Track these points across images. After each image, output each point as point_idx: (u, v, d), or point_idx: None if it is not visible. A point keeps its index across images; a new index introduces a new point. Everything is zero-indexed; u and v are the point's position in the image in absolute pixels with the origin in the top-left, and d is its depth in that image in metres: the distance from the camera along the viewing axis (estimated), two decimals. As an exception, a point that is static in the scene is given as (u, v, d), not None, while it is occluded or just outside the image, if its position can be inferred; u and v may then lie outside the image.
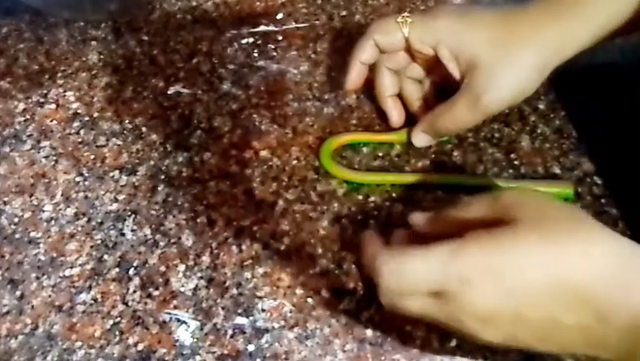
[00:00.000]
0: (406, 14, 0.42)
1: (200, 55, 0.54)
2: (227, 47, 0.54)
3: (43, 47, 0.55)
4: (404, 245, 0.34)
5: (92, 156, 0.47)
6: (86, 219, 0.43)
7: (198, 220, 0.43)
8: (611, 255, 0.28)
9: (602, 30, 0.40)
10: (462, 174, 0.44)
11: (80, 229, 0.43)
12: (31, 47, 0.55)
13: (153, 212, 0.43)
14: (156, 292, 0.39)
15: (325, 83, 0.51)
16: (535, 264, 0.28)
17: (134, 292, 0.39)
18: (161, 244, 0.42)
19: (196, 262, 0.41)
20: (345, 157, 0.46)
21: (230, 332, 0.37)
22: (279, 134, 0.47)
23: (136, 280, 0.40)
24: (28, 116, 0.50)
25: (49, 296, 0.40)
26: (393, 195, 0.43)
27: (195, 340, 0.37)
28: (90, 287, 0.40)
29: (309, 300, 0.38)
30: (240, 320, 0.38)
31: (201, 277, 0.40)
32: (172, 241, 0.42)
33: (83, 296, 0.39)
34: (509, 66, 0.40)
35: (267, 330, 0.37)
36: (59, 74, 0.53)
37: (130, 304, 0.39)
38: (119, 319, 0.38)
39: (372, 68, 0.45)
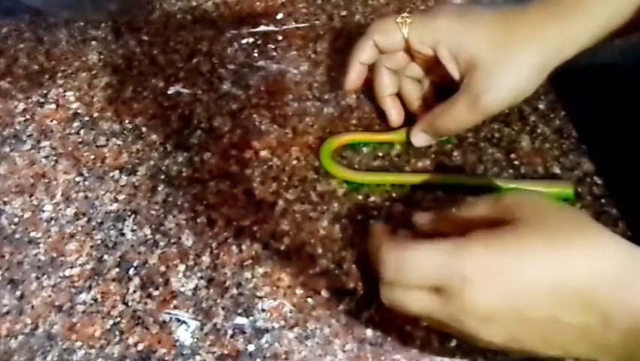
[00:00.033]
0: (405, 14, 0.42)
1: (200, 55, 0.54)
2: (227, 47, 0.54)
3: (43, 47, 0.55)
4: (409, 239, 0.34)
5: (92, 156, 0.47)
6: (86, 219, 0.43)
7: (198, 220, 0.43)
8: (612, 257, 0.28)
9: (601, 30, 0.40)
10: (462, 174, 0.44)
11: (80, 229, 0.43)
12: (31, 47, 0.55)
13: (153, 212, 0.43)
14: (156, 292, 0.39)
15: (325, 83, 0.51)
16: (537, 264, 0.28)
17: (134, 292, 0.39)
18: (161, 244, 0.42)
19: (196, 262, 0.41)
20: (345, 157, 0.46)
21: (230, 332, 0.37)
22: (279, 135, 0.47)
23: (136, 280, 0.40)
24: (28, 116, 0.50)
25: (49, 296, 0.40)
26: (393, 195, 0.43)
27: (195, 340, 0.37)
28: (90, 287, 0.40)
29: (309, 300, 0.38)
30: (240, 320, 0.38)
31: (201, 277, 0.40)
32: (172, 241, 0.42)
33: (83, 296, 0.39)
34: (509, 66, 0.40)
35: (267, 330, 0.37)
36: (59, 74, 0.53)
37: (130, 304, 0.39)
38: (119, 319, 0.38)
39: (372, 68, 0.45)
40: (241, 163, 0.46)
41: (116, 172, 0.46)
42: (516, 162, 0.45)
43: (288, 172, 0.45)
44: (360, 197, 0.43)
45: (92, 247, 0.42)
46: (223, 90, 0.51)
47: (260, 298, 0.39)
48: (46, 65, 0.54)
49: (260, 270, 0.40)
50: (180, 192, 0.44)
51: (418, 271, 0.30)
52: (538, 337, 0.29)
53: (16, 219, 0.44)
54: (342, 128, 0.47)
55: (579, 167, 0.44)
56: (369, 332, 0.37)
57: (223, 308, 0.38)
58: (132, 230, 0.42)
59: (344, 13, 0.56)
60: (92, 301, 0.39)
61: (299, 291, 0.39)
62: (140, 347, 0.37)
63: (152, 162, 0.46)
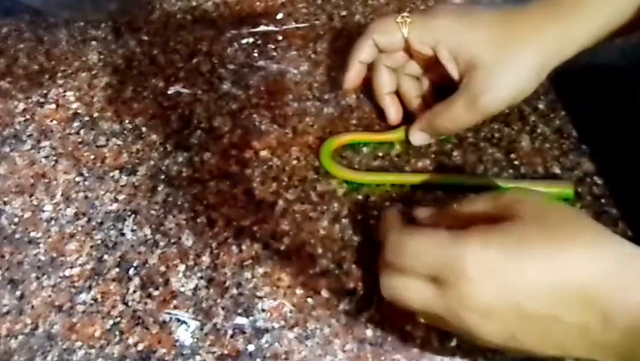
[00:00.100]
0: (405, 14, 0.42)
1: (200, 55, 0.54)
2: (227, 47, 0.54)
3: (43, 47, 0.55)
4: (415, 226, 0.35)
5: (92, 156, 0.47)
6: (86, 219, 0.43)
7: (198, 220, 0.43)
8: (612, 256, 0.28)
9: (601, 30, 0.40)
10: (462, 174, 0.44)
11: (80, 229, 0.43)
12: (31, 47, 0.55)
13: (153, 212, 0.43)
14: (156, 292, 0.39)
15: (325, 83, 0.51)
16: (537, 262, 0.28)
17: (134, 292, 0.39)
18: (161, 244, 0.42)
19: (196, 262, 0.41)
20: (345, 157, 0.46)
21: (230, 332, 0.37)
22: (279, 134, 0.47)
23: (136, 280, 0.40)
24: (28, 116, 0.50)
25: (49, 296, 0.40)
26: (393, 195, 0.43)
27: (195, 340, 0.37)
28: (90, 287, 0.40)
29: (309, 300, 0.38)
30: (240, 320, 0.38)
31: (201, 277, 0.40)
32: (172, 241, 0.42)
33: (83, 296, 0.39)
34: (509, 66, 0.40)
35: (267, 330, 0.37)
36: (59, 74, 0.53)
37: (130, 304, 0.39)
38: (119, 319, 0.38)
39: (371, 67, 0.45)
40: (241, 163, 0.46)
41: (116, 172, 0.46)
42: (516, 162, 0.45)
43: (288, 172, 0.45)
44: (360, 197, 0.43)
45: (92, 247, 0.42)
46: (223, 90, 0.51)
47: (260, 298, 0.39)
48: (46, 65, 0.54)
49: (260, 270, 0.40)
50: (180, 192, 0.44)
51: (417, 258, 0.30)
52: (537, 335, 0.29)
53: (16, 219, 0.44)
54: (342, 128, 0.47)
55: (579, 167, 0.44)
56: (369, 332, 0.37)
57: (223, 308, 0.38)
58: (132, 230, 0.42)
59: (344, 13, 0.56)
60: (92, 301, 0.39)
61: (299, 291, 0.39)
62: (140, 347, 0.37)
63: (152, 162, 0.46)
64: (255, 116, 0.49)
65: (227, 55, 0.53)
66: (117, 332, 0.38)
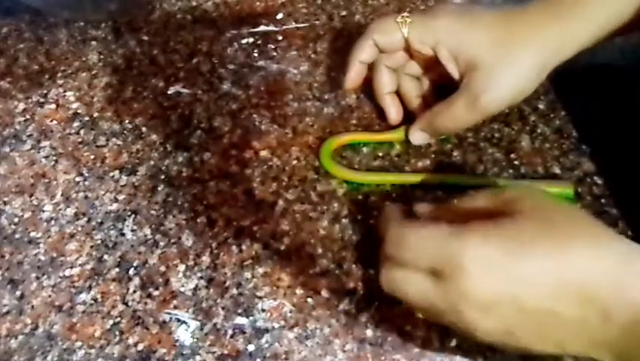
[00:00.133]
0: (405, 14, 0.42)
1: (200, 55, 0.54)
2: (227, 47, 0.54)
3: (43, 47, 0.55)
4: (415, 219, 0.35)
5: (92, 156, 0.47)
6: (86, 219, 0.43)
7: (198, 220, 0.43)
8: (612, 253, 0.28)
9: (601, 30, 0.40)
10: (462, 174, 0.44)
11: (80, 229, 0.43)
12: (31, 47, 0.55)
13: (153, 212, 0.43)
14: (156, 292, 0.39)
15: (325, 83, 0.51)
16: (536, 257, 0.28)
17: (134, 292, 0.39)
18: (161, 244, 0.42)
19: (196, 262, 0.41)
20: (345, 157, 0.46)
21: (230, 332, 0.37)
22: (279, 134, 0.47)
23: (136, 280, 0.40)
24: (28, 116, 0.50)
25: (49, 296, 0.40)
26: (394, 195, 0.43)
27: (195, 340, 0.37)
28: (90, 287, 0.40)
29: (309, 300, 0.38)
30: (240, 320, 0.38)
31: (201, 277, 0.40)
32: (172, 241, 0.42)
33: (83, 296, 0.39)
34: (509, 66, 0.40)
35: (267, 330, 0.37)
36: (59, 74, 0.53)
37: (130, 304, 0.39)
38: (119, 319, 0.38)
39: (371, 67, 0.45)
40: (241, 163, 0.46)
41: (116, 172, 0.46)
42: (516, 162, 0.45)
43: (288, 172, 0.45)
44: (360, 197, 0.43)
45: (92, 247, 0.42)
46: (223, 90, 0.51)
47: (260, 298, 0.39)
48: (46, 65, 0.54)
49: (260, 270, 0.40)
50: (180, 192, 0.44)
51: (417, 251, 0.30)
52: (535, 331, 0.29)
53: (16, 219, 0.44)
54: (342, 128, 0.47)
55: (579, 167, 0.44)
56: (369, 332, 0.37)
57: (223, 308, 0.38)
58: (132, 230, 0.42)
59: (344, 13, 0.56)
60: (92, 301, 0.39)
61: (299, 291, 0.39)
62: (140, 347, 0.37)
63: (152, 162, 0.46)
64: (255, 116, 0.49)
65: (227, 55, 0.53)
66: (117, 332, 0.38)
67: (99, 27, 0.57)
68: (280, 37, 0.54)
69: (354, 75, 0.45)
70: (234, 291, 0.39)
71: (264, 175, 0.45)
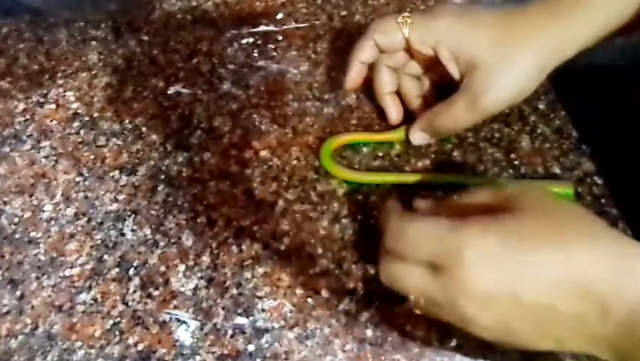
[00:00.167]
0: (406, 14, 0.42)
1: (200, 55, 0.54)
2: (227, 47, 0.54)
3: (43, 47, 0.55)
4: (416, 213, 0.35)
5: (92, 156, 0.47)
6: (86, 219, 0.43)
7: (198, 220, 0.43)
8: (611, 249, 0.28)
9: (601, 30, 0.40)
10: (462, 174, 0.44)
11: (80, 229, 0.43)
12: (31, 47, 0.55)
13: (153, 212, 0.43)
14: (156, 292, 0.39)
15: (325, 83, 0.51)
16: (536, 251, 0.28)
17: (134, 292, 0.39)
18: (161, 244, 0.42)
19: (196, 262, 0.41)
20: (345, 157, 0.46)
21: (230, 332, 0.37)
22: (279, 134, 0.47)
23: (136, 280, 0.40)
24: (28, 116, 0.50)
25: (49, 296, 0.40)
26: (394, 195, 0.43)
27: (195, 340, 0.37)
28: (90, 287, 0.40)
29: (309, 300, 0.38)
30: (240, 320, 0.38)
31: (201, 277, 0.40)
32: (172, 241, 0.42)
33: (83, 296, 0.39)
34: (509, 66, 0.40)
35: (267, 330, 0.37)
36: (59, 74, 0.53)
37: (130, 304, 0.39)
38: (119, 319, 0.38)
39: (372, 67, 0.45)
40: (241, 163, 0.46)
41: (116, 172, 0.46)
42: (516, 162, 0.45)
43: (288, 172, 0.45)
44: (360, 197, 0.43)
45: (92, 247, 0.42)
46: (223, 90, 0.51)
47: (260, 298, 0.39)
48: (46, 65, 0.54)
49: (260, 270, 0.40)
50: (180, 192, 0.44)
51: (416, 244, 0.30)
52: (533, 325, 0.29)
53: (16, 219, 0.44)
54: (342, 128, 0.47)
55: (579, 167, 0.44)
56: (369, 332, 0.37)
57: (223, 308, 0.38)
58: (132, 230, 0.42)
59: (344, 13, 0.56)
60: (92, 301, 0.39)
61: (299, 291, 0.39)
62: (140, 347, 0.37)
63: (152, 162, 0.46)
64: (255, 116, 0.49)
65: (227, 55, 0.53)
66: (117, 332, 0.38)
67: (99, 27, 0.57)
68: (280, 37, 0.54)
69: (354, 75, 0.45)
70: (234, 291, 0.39)
71: (264, 175, 0.45)
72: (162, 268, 0.40)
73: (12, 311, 0.39)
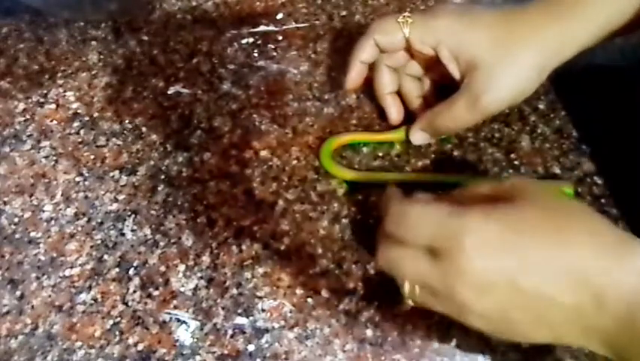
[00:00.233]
0: (406, 14, 0.42)
1: (200, 55, 0.54)
2: (227, 47, 0.54)
3: (43, 47, 0.55)
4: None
5: (92, 156, 0.47)
6: (86, 219, 0.43)
7: (198, 220, 0.43)
8: (608, 241, 0.29)
9: (601, 30, 0.40)
10: (462, 174, 0.44)
11: (80, 229, 0.43)
12: (31, 47, 0.55)
13: (153, 212, 0.43)
14: (156, 292, 0.39)
15: (325, 83, 0.51)
16: (534, 239, 0.29)
17: (134, 292, 0.39)
18: (161, 244, 0.42)
19: (196, 262, 0.41)
20: (345, 157, 0.46)
21: (230, 332, 0.37)
22: (279, 134, 0.47)
23: (136, 280, 0.40)
24: (28, 116, 0.50)
25: (49, 296, 0.40)
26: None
27: (195, 340, 0.37)
28: (90, 287, 0.40)
29: (309, 300, 0.38)
30: (240, 320, 0.38)
31: (201, 277, 0.40)
32: (172, 241, 0.42)
33: (83, 296, 0.39)
34: (509, 66, 0.40)
35: (267, 330, 0.37)
36: (59, 74, 0.53)
37: (130, 304, 0.39)
38: (119, 319, 0.38)
39: (372, 67, 0.45)
40: (241, 163, 0.46)
41: (116, 172, 0.46)
42: (516, 162, 0.45)
43: (288, 172, 0.45)
44: (360, 197, 0.43)
45: (92, 247, 0.42)
46: (223, 90, 0.51)
47: (260, 298, 0.39)
48: (46, 65, 0.54)
49: (260, 270, 0.40)
50: (180, 192, 0.44)
51: (417, 228, 0.30)
52: (530, 314, 0.29)
53: (16, 219, 0.44)
54: (342, 128, 0.47)
55: (579, 167, 0.44)
56: (369, 332, 0.37)
57: (223, 308, 0.38)
58: (132, 230, 0.42)
59: (344, 13, 0.56)
60: (92, 301, 0.39)
61: (299, 291, 0.39)
62: (140, 347, 0.37)
63: (152, 162, 0.46)
64: (255, 116, 0.49)
65: (227, 55, 0.53)
66: (117, 332, 0.38)
67: (99, 27, 0.57)
68: (280, 37, 0.54)
69: (354, 75, 0.45)
70: (234, 291, 0.39)
71: (264, 175, 0.45)
72: (162, 268, 0.40)
73: (12, 311, 0.39)
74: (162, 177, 0.45)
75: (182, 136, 0.48)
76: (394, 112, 0.46)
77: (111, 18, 0.57)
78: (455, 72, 0.41)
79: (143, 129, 0.48)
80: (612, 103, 0.47)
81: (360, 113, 0.48)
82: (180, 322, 0.38)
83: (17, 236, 0.43)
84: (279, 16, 0.56)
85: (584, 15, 0.39)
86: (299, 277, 0.39)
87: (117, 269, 0.41)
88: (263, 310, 0.38)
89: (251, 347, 0.37)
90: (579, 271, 0.28)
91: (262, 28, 0.55)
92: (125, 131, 0.48)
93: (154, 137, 0.48)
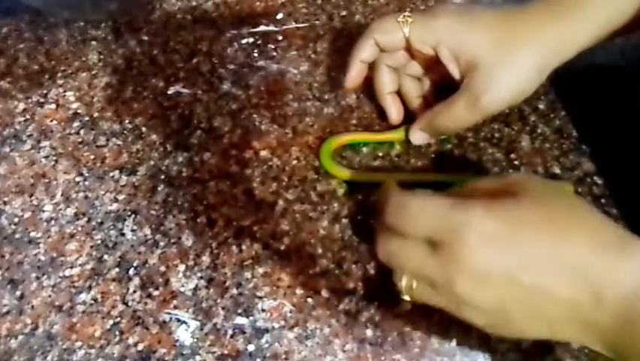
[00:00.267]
0: (406, 14, 0.42)
1: (200, 55, 0.54)
2: (227, 47, 0.54)
3: (43, 47, 0.55)
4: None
5: (92, 156, 0.47)
6: (86, 219, 0.43)
7: (198, 220, 0.43)
8: (607, 237, 0.29)
9: (602, 30, 0.40)
10: (462, 174, 0.44)
11: (80, 229, 0.43)
12: (31, 47, 0.55)
13: (153, 212, 0.43)
14: (156, 292, 0.39)
15: (325, 83, 0.51)
16: (535, 233, 0.29)
17: (134, 292, 0.39)
18: (161, 244, 0.42)
19: (196, 262, 0.41)
20: (345, 157, 0.46)
21: (230, 332, 0.37)
22: (279, 134, 0.47)
23: (136, 280, 0.40)
24: (28, 116, 0.50)
25: (49, 296, 0.40)
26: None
27: (195, 340, 0.37)
28: (90, 287, 0.40)
29: (309, 300, 0.38)
30: (240, 320, 0.38)
31: (201, 277, 0.40)
32: (172, 241, 0.42)
33: (83, 296, 0.39)
34: (509, 66, 0.40)
35: (267, 330, 0.37)
36: (59, 74, 0.53)
37: (130, 304, 0.39)
38: (119, 319, 0.38)
39: (372, 67, 0.45)
40: (241, 163, 0.46)
41: (116, 172, 0.46)
42: (516, 162, 0.45)
43: (288, 172, 0.45)
44: (360, 197, 0.43)
45: (92, 247, 0.42)
46: (223, 90, 0.51)
47: (260, 298, 0.39)
48: (46, 65, 0.54)
49: (260, 270, 0.40)
50: (180, 192, 0.44)
51: (418, 220, 0.30)
52: (528, 309, 0.29)
53: (16, 219, 0.44)
54: (342, 128, 0.47)
55: (579, 167, 0.44)
56: (369, 332, 0.37)
57: (223, 308, 0.38)
58: (132, 230, 0.42)
59: (344, 13, 0.56)
60: (92, 301, 0.39)
61: (299, 291, 0.39)
62: (140, 347, 0.37)
63: (152, 162, 0.46)
64: (255, 116, 0.49)
65: (227, 55, 0.53)
66: (117, 332, 0.38)
67: (99, 27, 0.57)
68: (280, 37, 0.54)
69: (354, 74, 0.45)
70: (234, 291, 0.39)
71: (264, 175, 0.45)
72: (162, 268, 0.40)
73: (12, 311, 0.39)
74: (162, 177, 0.45)
75: (182, 136, 0.48)
76: (394, 112, 0.46)
77: (111, 18, 0.57)
78: (455, 72, 0.41)
79: (143, 129, 0.48)
80: (612, 103, 0.47)
81: (360, 113, 0.48)
82: (180, 322, 0.38)
83: (17, 236, 0.43)
84: (279, 16, 0.56)
85: (584, 15, 0.39)
86: (299, 277, 0.39)
87: (117, 269, 0.41)
88: (263, 310, 0.38)
89: (251, 347, 0.37)
90: (578, 267, 0.28)
91: (262, 28, 0.55)
92: (125, 131, 0.48)
93: (154, 137, 0.48)
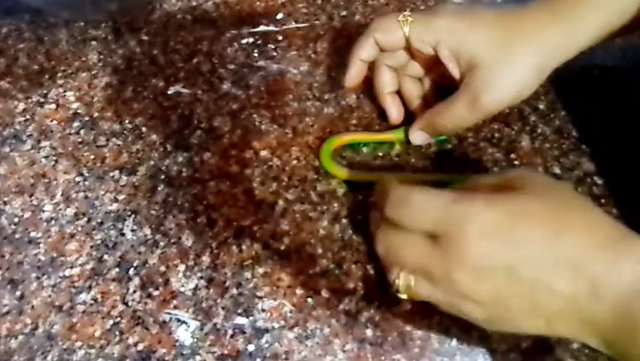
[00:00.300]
0: (406, 13, 0.42)
1: (200, 55, 0.54)
2: (227, 47, 0.54)
3: (43, 47, 0.55)
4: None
5: (92, 156, 0.47)
6: (86, 219, 0.43)
7: (198, 220, 0.43)
8: (606, 232, 0.29)
9: (602, 31, 0.40)
10: (462, 174, 0.44)
11: (80, 229, 0.43)
12: (31, 47, 0.55)
13: (153, 212, 0.43)
14: (156, 292, 0.39)
15: (325, 83, 0.51)
16: (535, 227, 0.29)
17: (134, 292, 0.39)
18: (161, 244, 0.42)
19: (196, 262, 0.41)
20: (345, 157, 0.46)
21: (230, 332, 0.37)
22: (279, 134, 0.47)
23: (136, 280, 0.40)
24: (28, 116, 0.50)
25: (49, 296, 0.40)
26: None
27: (195, 340, 0.37)
28: (90, 287, 0.40)
29: (309, 300, 0.38)
30: (240, 320, 0.38)
31: (201, 277, 0.40)
32: (172, 241, 0.42)
33: (83, 296, 0.39)
34: (509, 66, 0.40)
35: (267, 330, 0.37)
36: (59, 74, 0.53)
37: (130, 304, 0.39)
38: (119, 319, 0.38)
39: (372, 67, 0.45)
40: (241, 163, 0.46)
41: (116, 172, 0.46)
42: (516, 162, 0.45)
43: (288, 172, 0.45)
44: (360, 197, 0.43)
45: (92, 247, 0.42)
46: (223, 90, 0.51)
47: (260, 298, 0.39)
48: (46, 65, 0.54)
49: (260, 270, 0.40)
50: (180, 192, 0.44)
51: (419, 213, 0.31)
52: (526, 302, 0.29)
53: (16, 219, 0.44)
54: (342, 128, 0.47)
55: (579, 167, 0.44)
56: (369, 332, 0.37)
57: (223, 308, 0.38)
58: (132, 230, 0.42)
59: (344, 13, 0.56)
60: (92, 301, 0.39)
61: (299, 291, 0.39)
62: (140, 347, 0.37)
63: (152, 162, 0.46)
64: (255, 116, 0.49)
65: (227, 55, 0.53)
66: (117, 332, 0.38)
67: (99, 27, 0.57)
68: (280, 37, 0.54)
69: (354, 73, 0.45)
70: (234, 291, 0.39)
71: (264, 175, 0.45)
72: (162, 268, 0.40)
73: (12, 311, 0.39)
74: (162, 177, 0.45)
75: (182, 136, 0.48)
76: (394, 112, 0.46)
77: (111, 18, 0.57)
78: (455, 72, 0.41)
79: (143, 129, 0.48)
80: (612, 103, 0.47)
81: (360, 113, 0.48)
82: (180, 322, 0.38)
83: (17, 236, 0.43)
84: (279, 16, 0.56)
85: (584, 15, 0.39)
86: (299, 277, 0.39)
87: (117, 269, 0.41)
88: (263, 310, 0.38)
89: (251, 347, 0.37)
90: (577, 261, 0.28)
91: (262, 28, 0.55)
92: (125, 131, 0.48)
93: (154, 137, 0.48)
